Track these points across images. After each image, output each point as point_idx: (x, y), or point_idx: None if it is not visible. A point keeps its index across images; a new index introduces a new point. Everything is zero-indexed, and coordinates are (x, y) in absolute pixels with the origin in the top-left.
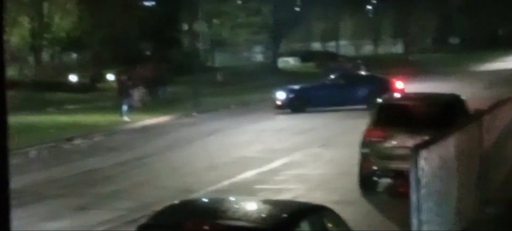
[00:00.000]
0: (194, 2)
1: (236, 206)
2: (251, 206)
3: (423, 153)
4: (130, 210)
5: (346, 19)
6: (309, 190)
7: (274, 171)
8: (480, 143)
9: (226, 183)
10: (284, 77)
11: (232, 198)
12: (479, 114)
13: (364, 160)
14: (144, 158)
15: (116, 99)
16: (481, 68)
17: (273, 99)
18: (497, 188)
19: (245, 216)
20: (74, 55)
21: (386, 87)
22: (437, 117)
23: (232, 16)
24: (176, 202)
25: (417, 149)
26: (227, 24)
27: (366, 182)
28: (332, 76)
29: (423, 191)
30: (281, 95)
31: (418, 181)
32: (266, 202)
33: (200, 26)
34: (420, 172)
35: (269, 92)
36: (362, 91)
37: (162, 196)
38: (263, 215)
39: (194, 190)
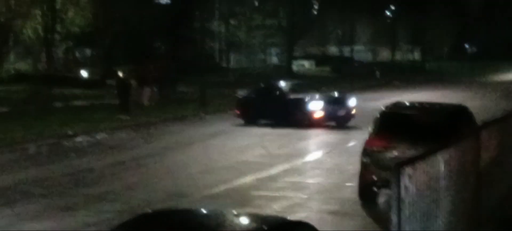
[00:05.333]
0: (210, 1)
1: (211, 220)
2: (227, 220)
3: (408, 170)
4: (118, 213)
5: (363, 24)
6: (307, 198)
7: (273, 178)
8: (477, 159)
9: (222, 188)
10: (299, 81)
11: (209, 210)
12: (477, 129)
13: (365, 169)
14: (142, 158)
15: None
16: (496, 79)
17: None
18: (495, 207)
19: None
20: (88, 51)
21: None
22: (442, 128)
23: (248, 17)
24: (148, 211)
25: (399, 165)
26: (243, 25)
27: (366, 193)
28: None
29: (406, 211)
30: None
31: (400, 201)
32: (243, 215)
33: (216, 26)
34: (402, 191)
35: None
36: None
37: (153, 199)
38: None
39: (188, 194)
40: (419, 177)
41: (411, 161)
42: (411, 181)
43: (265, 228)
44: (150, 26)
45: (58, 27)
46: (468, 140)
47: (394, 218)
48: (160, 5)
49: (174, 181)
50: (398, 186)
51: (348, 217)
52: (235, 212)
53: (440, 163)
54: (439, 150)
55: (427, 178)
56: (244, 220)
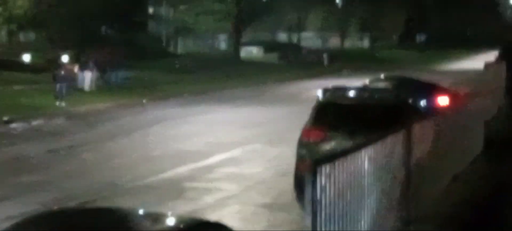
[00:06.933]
0: None
1: (120, 221)
2: (131, 220)
3: (325, 169)
4: (47, 204)
5: (313, 10)
6: (242, 190)
7: (210, 168)
8: (408, 155)
9: (155, 178)
10: (245, 67)
11: (120, 210)
12: (408, 124)
13: (300, 161)
14: (78, 146)
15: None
16: (446, 68)
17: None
18: (430, 204)
19: None
20: (32, 35)
21: None
22: (381, 120)
23: (197, 2)
24: (52, 209)
25: (316, 164)
26: (192, 10)
27: (301, 185)
28: None
29: (324, 213)
30: None
31: (316, 202)
32: (155, 216)
33: (165, 11)
34: (319, 192)
35: (226, 82)
36: None
37: (86, 189)
38: None
39: (122, 183)
40: (339, 175)
41: (330, 159)
42: (329, 180)
43: (179, 228)
44: (98, 10)
45: (0, 9)
46: (397, 134)
47: (308, 220)
48: None
49: (109, 170)
50: (314, 186)
51: (282, 211)
52: (146, 212)
53: (364, 159)
54: (364, 146)
55: (349, 176)
56: (154, 221)
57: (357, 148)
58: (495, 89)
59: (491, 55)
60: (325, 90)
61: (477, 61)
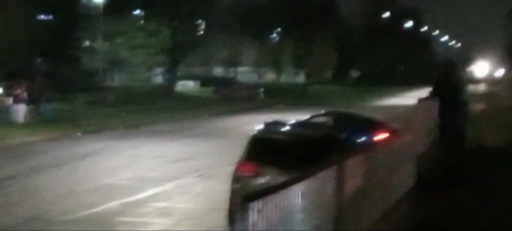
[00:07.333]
0: (93, 19)
1: None
2: None
3: (257, 204)
4: None
5: (248, 46)
6: (173, 225)
7: (140, 202)
8: (340, 190)
9: (84, 213)
10: (179, 101)
11: None
12: (340, 159)
13: (234, 195)
14: (9, 179)
15: None
16: (379, 103)
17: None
18: None
19: None
20: None
21: None
22: (314, 154)
23: (130, 36)
24: None
25: (247, 199)
26: (125, 44)
27: (234, 219)
28: None
29: None
30: None
31: None
32: None
33: (97, 45)
34: (250, 227)
35: (160, 115)
36: None
37: (15, 223)
38: None
39: (50, 218)
40: (271, 211)
41: (261, 194)
42: (261, 217)
43: None
44: (28, 43)
45: None
46: (329, 169)
47: None
48: (40, 21)
49: (34, 204)
50: (244, 222)
51: None
52: None
53: (296, 194)
54: (296, 181)
55: (280, 211)
56: None
57: (289, 183)
58: (427, 125)
59: (424, 91)
60: (266, 124)
61: (409, 97)
